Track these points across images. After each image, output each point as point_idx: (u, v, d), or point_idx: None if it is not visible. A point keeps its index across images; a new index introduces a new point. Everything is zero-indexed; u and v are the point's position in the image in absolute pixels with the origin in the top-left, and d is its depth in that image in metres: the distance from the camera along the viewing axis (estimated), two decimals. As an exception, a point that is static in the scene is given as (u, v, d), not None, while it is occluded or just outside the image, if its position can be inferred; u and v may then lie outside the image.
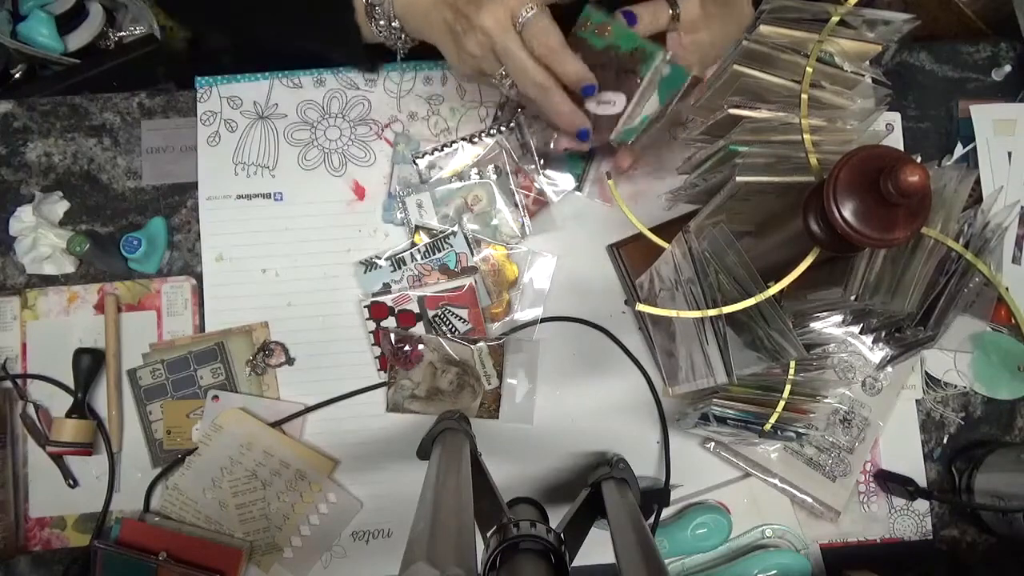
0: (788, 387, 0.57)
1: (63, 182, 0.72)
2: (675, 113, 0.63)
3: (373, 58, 0.68)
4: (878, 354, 0.69)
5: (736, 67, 0.49)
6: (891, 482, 0.68)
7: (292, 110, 0.72)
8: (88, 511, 0.68)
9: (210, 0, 0.67)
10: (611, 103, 0.61)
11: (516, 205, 0.70)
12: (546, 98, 0.55)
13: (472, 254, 0.70)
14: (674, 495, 0.68)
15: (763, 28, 0.47)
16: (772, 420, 0.57)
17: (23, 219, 0.69)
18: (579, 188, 0.71)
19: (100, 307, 0.69)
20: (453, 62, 0.58)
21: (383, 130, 0.72)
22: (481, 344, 0.69)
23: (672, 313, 0.48)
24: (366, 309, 0.69)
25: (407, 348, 0.68)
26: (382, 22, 0.60)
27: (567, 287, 0.71)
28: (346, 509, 0.68)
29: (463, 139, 0.71)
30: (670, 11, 0.60)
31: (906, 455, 0.70)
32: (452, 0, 0.55)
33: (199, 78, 0.72)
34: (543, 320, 0.70)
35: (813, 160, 0.44)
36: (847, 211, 0.36)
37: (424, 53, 0.73)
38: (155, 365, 0.69)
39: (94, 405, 0.69)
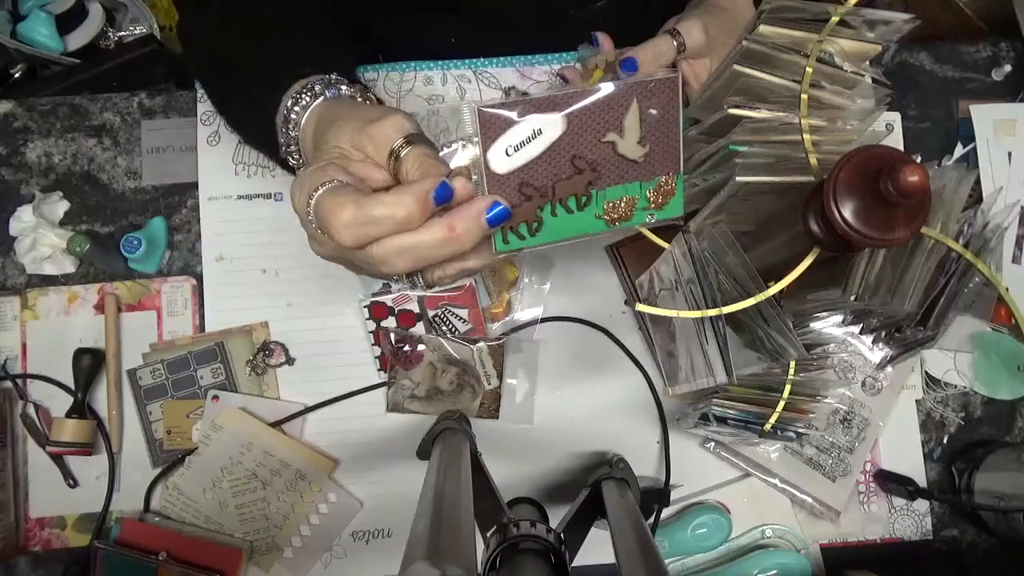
0: (788, 387, 0.57)
1: (63, 182, 0.72)
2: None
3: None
4: (878, 354, 0.69)
5: (736, 67, 0.49)
6: (891, 482, 0.68)
7: (292, 110, 0.72)
8: (88, 511, 0.68)
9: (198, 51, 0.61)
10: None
11: (516, 205, 0.69)
12: (404, 257, 0.39)
13: (472, 254, 0.70)
14: (674, 495, 0.68)
15: (763, 28, 0.47)
16: (772, 420, 0.57)
17: (23, 219, 0.69)
18: (579, 188, 0.71)
19: (100, 307, 0.69)
20: None
21: (383, 130, 0.72)
22: (481, 344, 0.69)
23: (672, 313, 0.48)
24: (366, 309, 0.69)
25: (407, 348, 0.68)
26: (291, 161, 0.51)
27: (567, 287, 0.71)
28: (346, 509, 0.68)
29: (463, 139, 0.71)
30: (675, 43, 0.60)
31: (906, 455, 0.70)
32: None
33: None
34: (543, 320, 0.70)
35: (813, 160, 0.44)
36: (847, 211, 0.36)
37: (424, 53, 0.74)
38: (155, 365, 0.69)
39: (94, 405, 0.69)
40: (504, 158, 0.38)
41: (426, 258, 0.39)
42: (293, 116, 0.48)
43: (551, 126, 0.38)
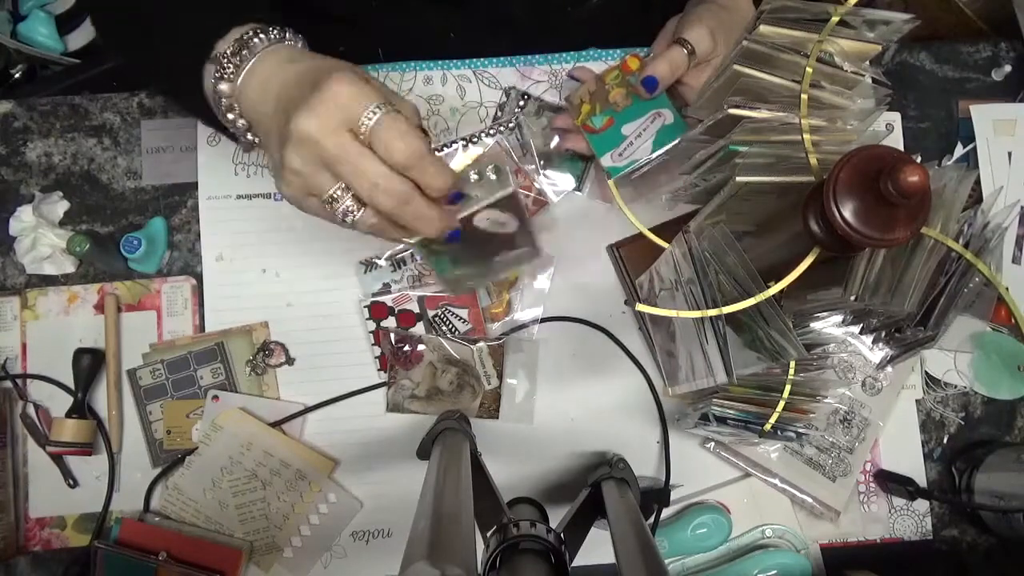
0: (788, 387, 0.57)
1: (63, 182, 0.72)
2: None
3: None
4: (878, 354, 0.69)
5: (736, 67, 0.49)
6: (891, 482, 0.68)
7: (292, 110, 0.72)
8: (88, 511, 0.68)
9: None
10: (502, 223, 0.52)
11: (516, 205, 0.69)
12: (407, 209, 0.42)
13: (472, 254, 0.70)
14: (674, 495, 0.68)
15: (763, 28, 0.47)
16: (772, 420, 0.57)
17: (23, 219, 0.69)
18: (579, 188, 0.71)
19: (100, 307, 0.69)
20: (276, 183, 0.45)
21: (383, 130, 0.72)
22: (481, 344, 0.69)
23: (672, 313, 0.48)
24: (366, 309, 0.69)
25: (407, 348, 0.68)
26: (229, 116, 0.48)
27: (567, 287, 0.71)
28: (346, 509, 0.68)
29: (463, 139, 0.71)
30: (685, 51, 0.61)
31: (906, 455, 0.70)
32: (285, 103, 0.43)
33: (199, 78, 0.72)
34: (543, 320, 0.70)
35: (813, 160, 0.44)
36: (847, 211, 0.36)
37: (424, 50, 0.74)
38: (155, 365, 0.69)
39: (94, 405, 0.69)
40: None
41: (397, 209, 0.42)
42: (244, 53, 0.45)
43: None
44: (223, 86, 0.46)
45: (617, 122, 0.64)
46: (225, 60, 0.45)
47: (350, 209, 0.43)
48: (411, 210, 0.43)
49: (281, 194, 0.45)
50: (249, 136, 0.49)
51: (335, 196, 0.43)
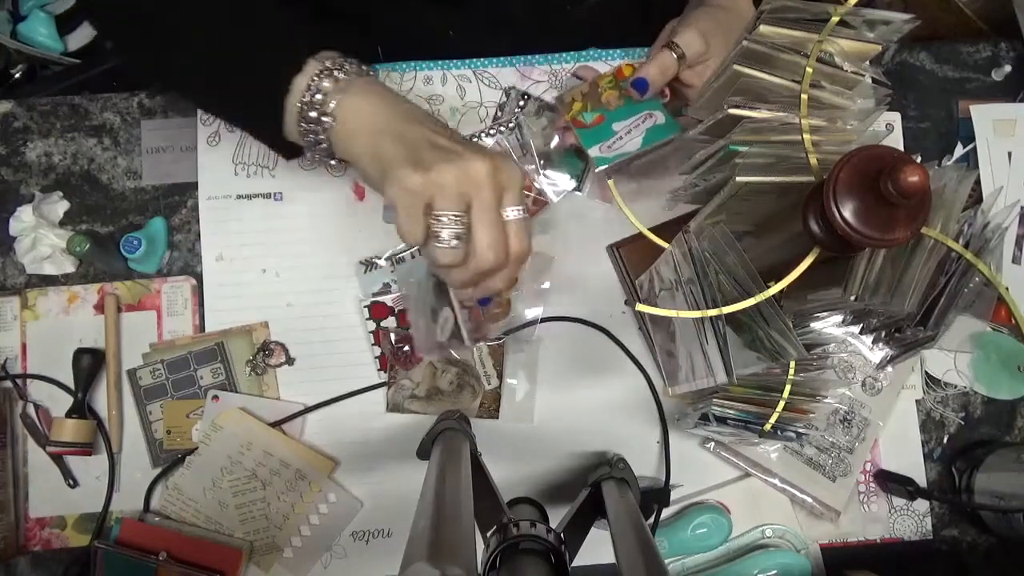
0: (788, 387, 0.57)
1: (63, 182, 0.72)
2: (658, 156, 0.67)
3: (293, 148, 0.56)
4: (878, 354, 0.69)
5: (736, 67, 0.49)
6: (891, 482, 0.68)
7: (292, 110, 0.72)
8: (88, 511, 0.68)
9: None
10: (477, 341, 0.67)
11: (516, 205, 0.69)
12: (478, 275, 0.49)
13: (472, 254, 0.70)
14: (674, 495, 0.68)
15: (763, 28, 0.47)
16: (772, 420, 0.57)
17: (23, 219, 0.69)
18: (579, 188, 0.71)
19: (100, 307, 0.69)
20: (388, 169, 0.46)
21: (383, 130, 0.72)
22: (481, 344, 0.69)
23: (672, 313, 0.48)
24: (366, 309, 0.69)
25: (407, 348, 0.68)
26: (312, 113, 0.49)
27: (567, 287, 0.70)
28: (346, 509, 0.68)
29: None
30: (674, 55, 0.61)
31: (906, 455, 0.70)
32: (440, 128, 0.49)
33: (199, 78, 0.72)
34: (543, 320, 0.70)
35: (813, 160, 0.44)
36: (847, 211, 0.36)
37: (423, 52, 0.74)
38: (155, 365, 0.69)
39: (94, 405, 0.69)
40: None
41: (480, 269, 0.48)
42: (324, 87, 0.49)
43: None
44: (326, 83, 0.49)
45: (608, 120, 0.65)
46: (331, 62, 0.50)
47: (451, 237, 0.46)
48: (478, 279, 0.49)
49: (396, 170, 0.46)
50: (320, 136, 0.51)
51: (448, 220, 0.46)
